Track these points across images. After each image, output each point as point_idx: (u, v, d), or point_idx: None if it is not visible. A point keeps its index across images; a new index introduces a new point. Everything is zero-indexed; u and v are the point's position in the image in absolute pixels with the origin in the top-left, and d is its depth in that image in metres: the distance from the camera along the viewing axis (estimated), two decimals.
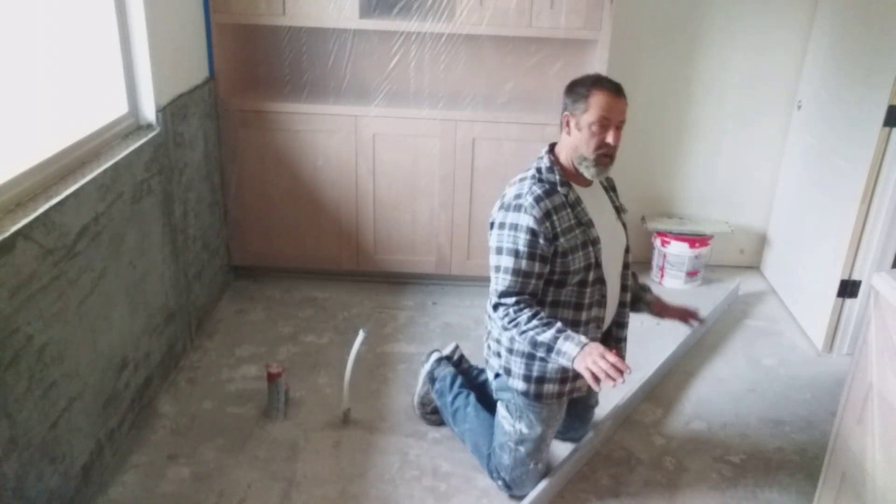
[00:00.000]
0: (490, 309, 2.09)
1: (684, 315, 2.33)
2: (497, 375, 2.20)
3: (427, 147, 3.15)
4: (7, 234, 1.65)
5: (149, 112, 2.50)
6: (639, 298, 2.32)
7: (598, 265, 2.06)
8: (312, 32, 3.23)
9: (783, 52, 3.38)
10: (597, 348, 1.85)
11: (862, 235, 2.84)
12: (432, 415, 2.50)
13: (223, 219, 3.24)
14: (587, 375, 1.82)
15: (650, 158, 3.60)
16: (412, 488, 2.23)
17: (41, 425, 1.81)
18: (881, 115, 2.66)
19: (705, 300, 3.37)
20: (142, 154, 2.36)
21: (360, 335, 2.46)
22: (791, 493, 2.28)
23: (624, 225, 2.20)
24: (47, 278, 1.81)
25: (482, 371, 2.50)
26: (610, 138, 1.97)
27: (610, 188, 2.23)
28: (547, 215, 1.98)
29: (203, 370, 2.74)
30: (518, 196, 2.02)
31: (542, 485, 2.19)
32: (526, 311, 1.96)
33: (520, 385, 2.11)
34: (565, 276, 2.02)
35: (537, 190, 2.00)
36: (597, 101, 1.96)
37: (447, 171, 3.18)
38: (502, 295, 2.00)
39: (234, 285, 3.37)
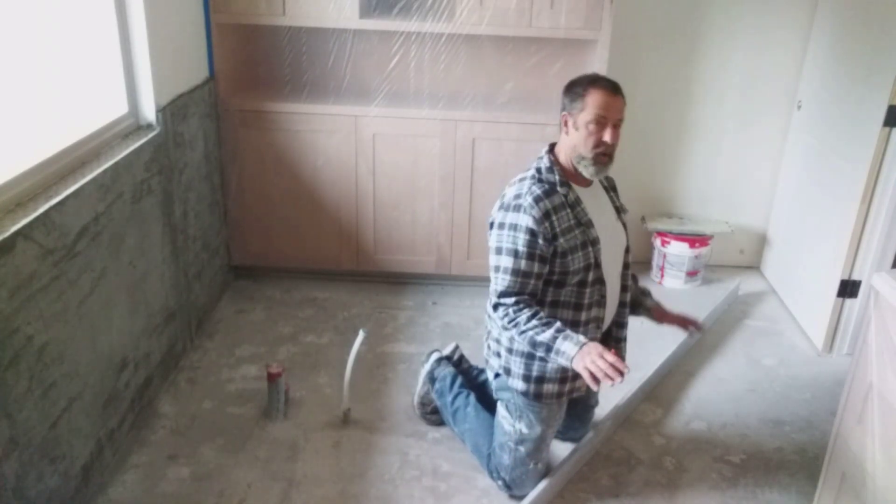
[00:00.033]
0: (490, 309, 2.09)
1: (684, 322, 2.33)
2: (497, 375, 2.20)
3: (427, 147, 3.15)
4: (7, 234, 1.66)
5: (149, 112, 2.50)
6: (639, 303, 2.32)
7: (597, 265, 2.06)
8: (312, 32, 3.23)
9: (783, 52, 3.38)
10: (595, 348, 1.85)
11: (862, 235, 2.84)
12: (432, 415, 2.50)
13: (223, 219, 3.24)
14: (585, 375, 1.82)
15: (650, 158, 3.60)
16: (412, 488, 2.23)
17: (41, 425, 1.81)
18: (881, 115, 2.66)
19: (705, 300, 3.37)
20: (142, 154, 2.36)
21: (360, 335, 2.46)
22: (791, 493, 2.28)
23: (624, 225, 2.20)
24: (47, 278, 1.81)
25: (482, 371, 2.50)
26: (607, 136, 1.97)
27: (610, 188, 2.23)
28: (546, 215, 1.98)
29: (203, 370, 2.74)
30: (517, 196, 2.02)
31: (542, 485, 2.19)
32: (525, 311, 1.96)
33: (519, 385, 2.11)
34: (565, 277, 2.02)
35: (537, 190, 2.00)
36: (593, 99, 1.96)
37: (447, 171, 3.18)
38: (502, 295, 2.00)
39: (234, 285, 3.37)
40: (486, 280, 2.10)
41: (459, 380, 2.45)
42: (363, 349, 2.65)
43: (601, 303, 2.11)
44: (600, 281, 2.08)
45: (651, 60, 3.41)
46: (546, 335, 1.91)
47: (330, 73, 3.33)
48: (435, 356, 2.56)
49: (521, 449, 2.15)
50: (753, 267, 3.77)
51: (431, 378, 2.49)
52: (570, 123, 2.02)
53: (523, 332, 1.94)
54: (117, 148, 2.28)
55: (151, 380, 2.49)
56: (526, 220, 1.97)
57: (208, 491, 2.17)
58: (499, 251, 2.01)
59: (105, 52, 2.36)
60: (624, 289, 2.22)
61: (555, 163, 2.06)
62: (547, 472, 2.23)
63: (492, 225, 2.07)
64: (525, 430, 2.14)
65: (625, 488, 2.27)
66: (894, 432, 1.70)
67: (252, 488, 2.19)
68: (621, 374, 1.79)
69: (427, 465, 2.32)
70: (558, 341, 1.89)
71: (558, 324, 1.94)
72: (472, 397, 2.38)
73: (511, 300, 1.98)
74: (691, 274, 3.53)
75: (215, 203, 3.12)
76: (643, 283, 3.53)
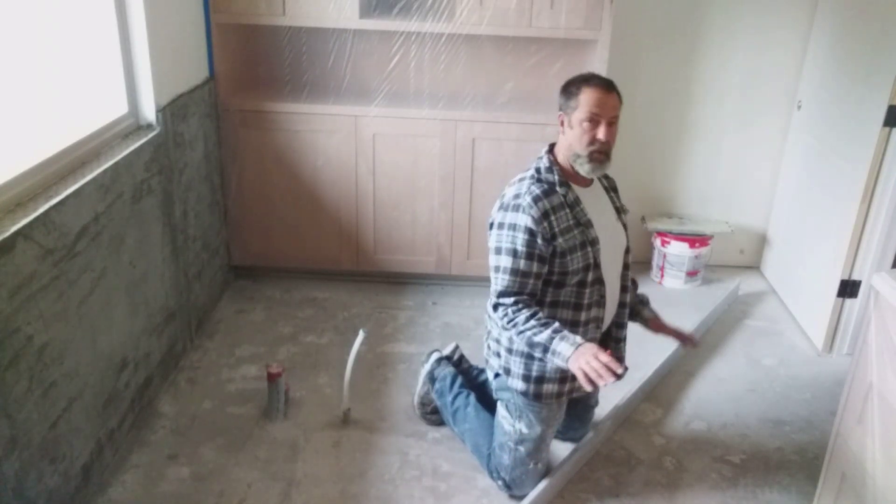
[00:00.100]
0: (490, 309, 2.09)
1: (679, 336, 2.33)
2: (497, 375, 2.20)
3: (427, 147, 3.15)
4: (7, 234, 1.66)
5: (149, 112, 2.50)
6: (636, 312, 2.32)
7: (596, 265, 2.06)
8: (312, 32, 3.23)
9: (783, 52, 3.38)
10: (590, 349, 1.84)
11: (862, 235, 2.84)
12: (432, 415, 2.50)
13: (223, 219, 3.24)
14: (580, 376, 1.82)
15: (650, 158, 3.60)
16: (412, 488, 2.23)
17: (41, 425, 1.81)
18: (881, 115, 2.66)
19: (705, 300, 3.37)
20: (142, 154, 2.36)
21: (360, 335, 2.46)
22: (791, 493, 2.28)
23: (624, 226, 2.20)
24: (47, 278, 1.81)
25: (482, 371, 2.50)
26: (601, 134, 1.97)
27: (611, 188, 2.23)
28: (545, 215, 1.98)
29: (203, 370, 2.74)
30: (517, 196, 2.02)
31: (542, 485, 2.19)
32: (524, 311, 1.96)
33: (519, 385, 2.11)
34: (564, 277, 2.02)
35: (536, 190, 2.00)
36: (586, 97, 1.97)
37: (447, 171, 3.18)
38: (501, 295, 2.01)
39: (234, 285, 3.37)
40: (486, 280, 2.10)
41: (459, 380, 2.46)
42: (363, 349, 2.65)
43: (601, 303, 2.11)
44: (600, 281, 2.08)
45: (651, 60, 3.41)
46: (543, 336, 1.91)
47: (330, 73, 3.33)
48: (435, 356, 2.56)
49: (521, 449, 2.15)
50: (753, 267, 3.77)
51: (431, 378, 2.49)
52: (565, 122, 2.03)
53: (521, 332, 1.95)
54: (117, 148, 2.28)
55: (151, 380, 2.49)
56: (525, 220, 1.97)
57: (208, 491, 2.17)
58: (498, 251, 2.01)
59: (105, 52, 2.36)
60: (624, 289, 2.22)
61: (554, 163, 2.07)
62: (547, 472, 2.23)
63: (491, 225, 2.07)
64: (525, 430, 2.14)
65: (625, 488, 2.27)
66: (894, 432, 1.70)
67: (252, 488, 2.19)
68: (615, 374, 1.79)
69: (427, 465, 2.32)
70: (555, 342, 1.89)
71: (556, 324, 1.94)
72: (472, 397, 2.38)
73: (510, 300, 1.98)
74: (691, 274, 3.54)
75: (215, 203, 3.12)
76: (643, 283, 3.54)
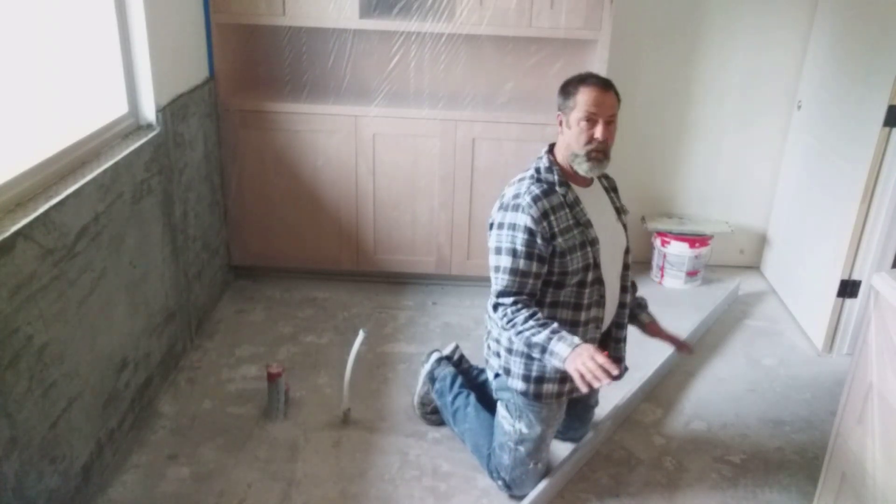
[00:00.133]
0: (490, 309, 2.09)
1: (676, 342, 2.33)
2: (497, 375, 2.20)
3: (427, 147, 3.15)
4: (7, 234, 1.66)
5: (149, 112, 2.50)
6: (634, 315, 2.32)
7: (596, 266, 2.06)
8: (312, 32, 3.23)
9: (783, 52, 3.38)
10: (587, 349, 1.84)
11: (862, 235, 2.84)
12: (432, 415, 2.50)
13: (223, 219, 3.24)
14: (576, 377, 1.82)
15: (650, 158, 3.60)
16: (412, 488, 2.23)
17: (41, 425, 1.81)
18: (881, 115, 2.66)
19: (705, 300, 3.37)
20: (142, 154, 2.36)
21: (360, 335, 2.46)
22: (791, 493, 2.28)
23: (624, 226, 2.20)
24: (47, 278, 1.81)
25: (482, 371, 2.50)
26: (598, 133, 1.97)
27: (611, 189, 2.23)
28: (544, 215, 1.98)
29: (203, 370, 2.74)
30: (516, 196, 2.02)
31: (542, 485, 2.19)
32: (523, 311, 1.96)
33: (519, 385, 2.11)
34: (564, 277, 2.02)
35: (535, 190, 2.00)
36: (583, 97, 1.97)
37: (447, 171, 3.18)
38: (500, 295, 2.01)
39: (234, 285, 3.37)
40: (486, 280, 2.10)
41: (459, 380, 2.46)
42: (363, 349, 2.65)
43: (600, 303, 2.11)
44: (599, 281, 2.08)
45: (651, 60, 3.41)
46: (541, 336, 1.91)
47: (330, 73, 3.33)
48: (435, 356, 2.56)
49: (521, 449, 2.15)
50: (753, 267, 3.77)
51: (431, 378, 2.49)
52: (564, 122, 2.04)
53: (520, 332, 1.95)
54: (117, 148, 2.28)
55: (151, 380, 2.49)
56: (524, 220, 1.97)
57: (208, 491, 2.17)
58: (498, 251, 2.02)
59: (105, 52, 2.36)
60: (624, 290, 2.22)
61: (554, 163, 2.07)
62: (547, 472, 2.23)
63: (491, 225, 2.07)
64: (525, 430, 2.14)
65: (625, 488, 2.27)
66: (894, 432, 1.70)
67: (252, 488, 2.19)
68: (610, 375, 1.78)
69: (427, 465, 2.32)
70: (552, 342, 1.89)
71: (555, 325, 1.93)
72: (472, 397, 2.38)
73: (509, 300, 1.98)
74: (691, 274, 3.54)
75: (215, 203, 3.12)
76: (644, 283, 3.54)
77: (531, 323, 1.93)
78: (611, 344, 2.26)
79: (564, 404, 2.20)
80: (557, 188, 2.03)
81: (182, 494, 2.15)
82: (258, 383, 2.63)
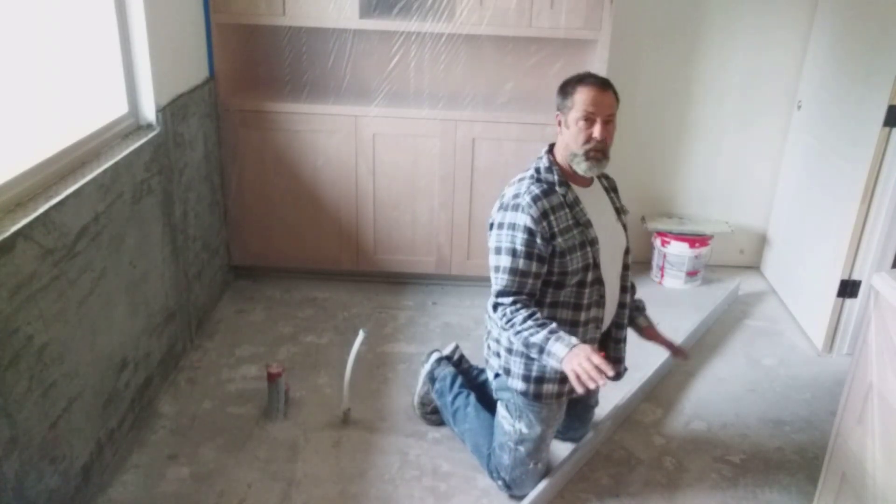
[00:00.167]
0: (490, 309, 2.09)
1: (671, 347, 2.33)
2: (497, 375, 2.20)
3: (427, 147, 3.15)
4: (7, 234, 1.66)
5: (149, 112, 2.50)
6: (631, 318, 2.32)
7: (596, 266, 2.06)
8: (312, 32, 3.23)
9: (783, 52, 3.38)
10: (583, 350, 1.83)
11: (862, 235, 2.84)
12: (432, 415, 2.50)
13: (223, 219, 3.24)
14: (572, 377, 1.81)
15: (650, 158, 3.60)
16: (412, 488, 2.23)
17: (41, 425, 1.81)
18: (881, 115, 2.66)
19: (705, 300, 3.37)
20: (142, 154, 2.36)
21: (360, 335, 2.46)
22: (791, 493, 2.28)
23: (624, 226, 2.20)
24: (47, 278, 1.81)
25: (482, 371, 2.50)
26: (596, 132, 1.97)
27: (611, 189, 2.23)
28: (544, 215, 1.98)
29: (203, 370, 2.74)
30: (516, 196, 2.02)
31: (542, 485, 2.19)
32: (522, 311, 1.96)
33: (519, 385, 2.11)
34: (564, 277, 2.02)
35: (535, 189, 2.00)
36: (581, 96, 1.98)
37: (447, 171, 3.18)
38: (499, 294, 2.01)
39: (234, 285, 3.37)
40: (486, 280, 2.10)
41: (459, 380, 2.46)
42: (363, 349, 2.65)
43: (600, 303, 2.11)
44: (599, 281, 2.08)
45: (651, 60, 3.41)
46: (539, 336, 1.90)
47: (330, 73, 3.33)
48: (435, 356, 2.56)
49: (521, 449, 2.15)
50: (753, 267, 3.77)
51: (431, 378, 2.49)
52: (562, 122, 2.04)
53: (518, 332, 1.94)
54: (117, 148, 2.28)
55: (151, 380, 2.49)
56: (524, 220, 1.97)
57: (208, 491, 2.17)
58: (498, 251, 2.02)
59: (105, 52, 2.36)
60: (623, 290, 2.22)
61: (554, 163, 2.07)
62: (547, 472, 2.23)
63: (491, 226, 2.07)
64: (525, 430, 2.14)
65: (625, 488, 2.27)
66: (894, 432, 1.70)
67: (252, 488, 2.19)
68: (606, 376, 1.78)
69: (427, 465, 2.32)
70: (550, 343, 1.89)
71: (553, 325, 1.93)
72: (472, 397, 2.38)
73: (509, 300, 1.98)
74: (691, 274, 3.54)
75: (215, 203, 3.12)
76: (644, 283, 3.54)
77: (529, 323, 1.93)
78: (610, 344, 2.26)
79: (564, 404, 2.20)
80: (557, 188, 2.03)
81: (182, 494, 2.15)
82: (258, 383, 2.63)
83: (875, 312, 1.78)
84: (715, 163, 3.60)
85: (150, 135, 2.44)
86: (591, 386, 1.78)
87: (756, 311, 3.36)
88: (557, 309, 2.06)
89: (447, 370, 2.49)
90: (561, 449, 2.38)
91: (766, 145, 3.55)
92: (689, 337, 3.02)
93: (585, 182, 2.10)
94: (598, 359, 1.79)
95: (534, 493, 2.16)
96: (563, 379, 2.09)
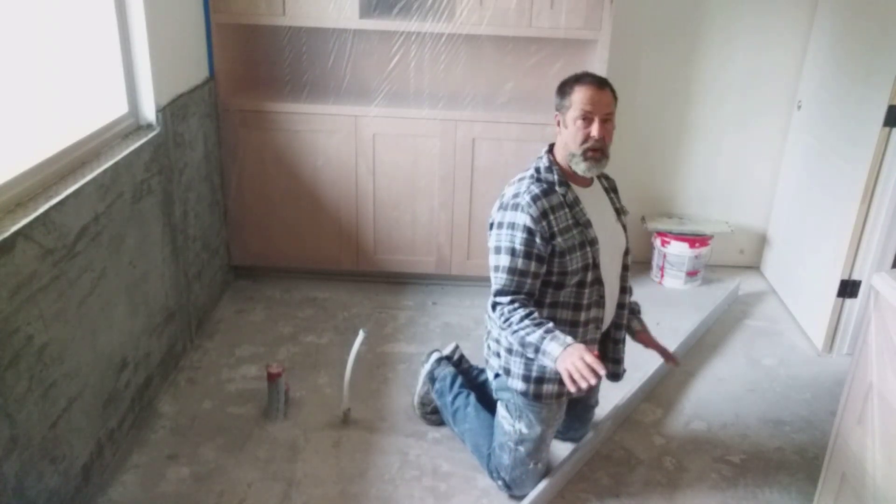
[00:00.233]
0: (490, 309, 2.09)
1: (664, 353, 2.33)
2: (497, 375, 2.19)
3: (427, 147, 3.15)
4: (7, 234, 1.66)
5: (149, 112, 2.50)
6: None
7: (595, 266, 2.06)
8: (312, 32, 3.23)
9: (783, 52, 3.38)
10: (577, 349, 1.82)
11: (862, 235, 2.84)
12: (432, 415, 2.50)
13: (223, 219, 3.24)
14: (565, 376, 1.81)
15: (650, 158, 3.60)
16: (412, 488, 2.23)
17: (41, 425, 1.81)
18: (881, 115, 2.66)
19: (705, 300, 3.37)
20: (142, 154, 2.36)
21: (360, 335, 2.46)
22: (791, 493, 2.28)
23: (624, 227, 2.20)
24: (47, 278, 1.81)
25: (482, 371, 2.50)
26: (594, 131, 1.97)
27: (611, 189, 2.23)
28: (544, 214, 1.98)
29: (203, 370, 2.74)
30: (516, 195, 2.02)
31: (542, 485, 2.19)
32: (520, 310, 1.95)
33: (519, 385, 2.11)
34: (563, 277, 2.02)
35: (535, 189, 2.00)
36: (579, 96, 1.98)
37: (447, 171, 3.18)
38: (498, 294, 2.00)
39: (234, 285, 3.37)
40: (486, 280, 2.10)
41: (459, 380, 2.46)
42: (363, 349, 2.65)
43: (600, 303, 2.11)
44: (599, 281, 2.08)
45: (651, 60, 3.41)
46: (535, 336, 1.90)
47: (330, 73, 3.33)
48: (435, 356, 2.56)
49: (521, 449, 2.15)
50: (753, 267, 3.77)
51: (431, 378, 2.49)
52: (561, 122, 2.04)
53: (515, 331, 1.94)
54: (117, 148, 2.28)
55: (151, 380, 2.49)
56: (523, 219, 1.97)
57: (208, 491, 2.17)
58: (497, 250, 2.02)
59: (105, 52, 2.36)
60: (623, 290, 2.22)
61: (553, 163, 2.07)
62: (547, 472, 2.23)
63: (491, 225, 2.07)
64: (525, 430, 2.14)
65: (625, 488, 2.27)
66: (894, 432, 1.70)
67: (252, 488, 2.19)
68: (598, 375, 1.77)
69: (427, 465, 2.32)
70: (545, 342, 1.88)
71: (549, 324, 1.93)
72: (472, 397, 2.38)
73: (507, 299, 1.98)
74: (691, 274, 3.53)
75: (215, 203, 3.12)
76: (644, 283, 3.54)
77: (526, 322, 1.93)
78: (609, 345, 2.26)
79: (564, 404, 2.20)
80: (557, 188, 2.03)
81: (182, 494, 2.15)
82: (258, 383, 2.63)
83: (875, 312, 1.78)
84: (715, 163, 3.60)
85: (150, 135, 2.44)
86: (584, 385, 1.77)
87: (756, 311, 3.36)
88: (557, 309, 2.06)
89: (447, 370, 2.49)
90: (561, 449, 2.38)
91: (766, 145, 3.55)
92: (689, 337, 3.02)
93: (585, 182, 2.10)
94: (591, 358, 1.78)
95: (534, 493, 2.16)
96: (562, 379, 2.09)
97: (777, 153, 3.55)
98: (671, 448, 2.45)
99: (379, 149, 3.15)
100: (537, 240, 1.97)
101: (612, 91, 2.02)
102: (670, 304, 3.35)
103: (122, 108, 2.42)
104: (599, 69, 2.94)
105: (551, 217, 1.99)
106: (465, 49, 3.26)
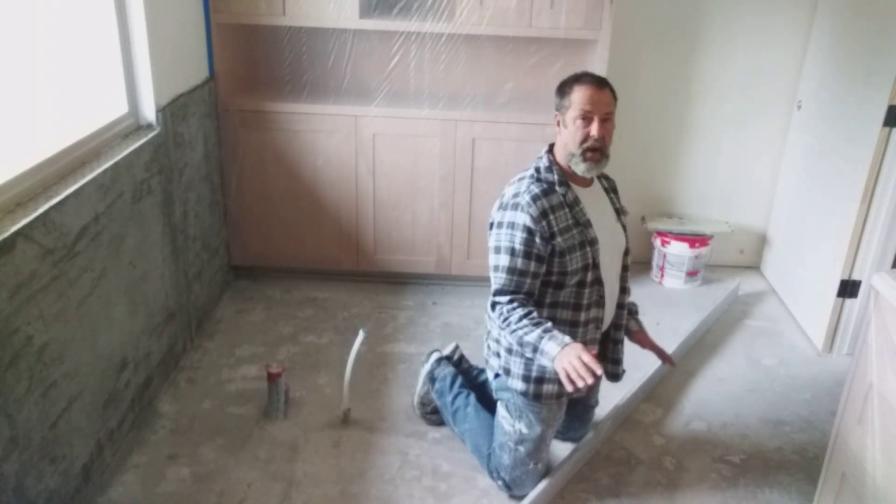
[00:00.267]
0: (489, 309, 2.09)
1: (660, 354, 2.33)
2: (497, 375, 2.19)
3: (427, 147, 3.15)
4: (7, 234, 1.66)
5: (149, 112, 2.50)
6: None
7: (595, 266, 2.06)
8: (312, 32, 3.23)
9: (783, 52, 3.38)
10: (575, 349, 1.82)
11: (862, 235, 2.84)
12: (432, 415, 2.50)
13: (223, 219, 3.24)
14: (562, 376, 1.81)
15: (650, 158, 3.60)
16: (412, 488, 2.23)
17: (41, 425, 1.81)
18: (881, 115, 2.66)
19: (705, 300, 3.37)
20: (142, 154, 2.36)
21: (360, 335, 2.46)
22: (791, 493, 2.28)
23: (624, 227, 2.20)
24: (47, 278, 1.81)
25: (482, 371, 2.50)
26: (594, 131, 1.97)
27: (611, 189, 2.23)
28: (544, 214, 1.98)
29: (203, 370, 2.74)
30: (516, 195, 2.02)
31: (542, 485, 2.19)
32: (518, 310, 1.95)
33: (519, 385, 2.11)
34: (563, 277, 2.02)
35: (535, 189, 2.00)
36: (578, 95, 1.98)
37: (447, 171, 3.18)
38: (497, 293, 2.01)
39: (234, 285, 3.37)
40: (486, 280, 2.10)
41: (459, 380, 2.46)
42: (363, 349, 2.65)
43: (600, 303, 2.11)
44: (599, 281, 2.08)
45: (651, 60, 3.41)
46: (533, 335, 1.90)
47: (330, 73, 3.33)
48: (435, 356, 2.56)
49: (521, 449, 2.15)
50: (753, 267, 3.77)
51: (431, 378, 2.49)
52: (560, 122, 2.04)
53: (514, 331, 1.94)
54: (117, 148, 2.28)
55: (151, 380, 2.49)
56: (523, 219, 1.97)
57: (208, 491, 2.17)
58: (497, 250, 2.02)
59: (105, 52, 2.36)
60: (623, 290, 2.22)
61: (553, 163, 2.07)
62: (547, 472, 2.23)
63: (491, 225, 2.07)
64: (525, 430, 2.14)
65: (625, 488, 2.27)
66: (894, 432, 1.70)
67: (252, 488, 2.19)
68: (595, 375, 1.77)
69: (427, 465, 2.32)
70: (543, 341, 1.88)
71: (548, 324, 1.93)
72: (472, 397, 2.38)
73: (506, 299, 1.98)
74: (691, 274, 3.53)
75: (215, 203, 3.12)
76: (644, 283, 3.54)
77: (525, 322, 1.93)
78: (609, 345, 2.26)
79: (564, 405, 2.20)
80: (557, 188, 2.03)
81: (182, 494, 2.16)
82: (258, 383, 2.63)
83: (875, 312, 1.78)
84: (715, 163, 3.60)
85: (150, 135, 2.44)
86: (580, 384, 1.77)
87: (756, 311, 3.36)
88: (557, 309, 2.06)
89: (447, 370, 2.49)
90: (561, 449, 2.38)
91: (766, 145, 3.55)
92: (689, 337, 3.02)
93: (585, 182, 2.10)
94: (588, 357, 1.78)
95: (534, 493, 2.16)
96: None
97: (777, 153, 3.55)
98: (671, 448, 2.45)
99: (379, 149, 3.15)
100: (537, 239, 1.97)
101: (612, 91, 2.02)
102: (670, 304, 3.35)
103: (122, 108, 2.42)
104: (599, 69, 2.95)
105: (551, 217, 1.99)
106: (465, 49, 3.26)
